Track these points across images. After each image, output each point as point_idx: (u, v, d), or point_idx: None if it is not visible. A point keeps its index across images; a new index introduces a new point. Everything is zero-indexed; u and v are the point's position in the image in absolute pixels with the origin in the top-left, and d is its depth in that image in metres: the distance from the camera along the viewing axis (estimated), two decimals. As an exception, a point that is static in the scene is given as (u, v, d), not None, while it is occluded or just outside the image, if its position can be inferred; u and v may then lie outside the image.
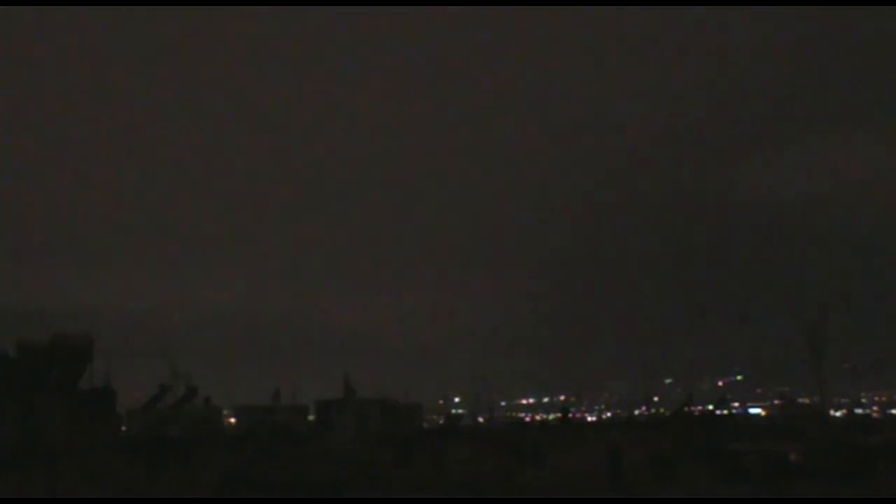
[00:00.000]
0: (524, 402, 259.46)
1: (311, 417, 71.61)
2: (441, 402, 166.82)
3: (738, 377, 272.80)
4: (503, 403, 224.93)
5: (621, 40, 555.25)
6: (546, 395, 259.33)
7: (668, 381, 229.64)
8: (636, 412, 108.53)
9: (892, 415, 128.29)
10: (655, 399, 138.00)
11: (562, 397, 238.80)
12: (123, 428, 58.38)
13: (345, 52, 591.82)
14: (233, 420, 76.95)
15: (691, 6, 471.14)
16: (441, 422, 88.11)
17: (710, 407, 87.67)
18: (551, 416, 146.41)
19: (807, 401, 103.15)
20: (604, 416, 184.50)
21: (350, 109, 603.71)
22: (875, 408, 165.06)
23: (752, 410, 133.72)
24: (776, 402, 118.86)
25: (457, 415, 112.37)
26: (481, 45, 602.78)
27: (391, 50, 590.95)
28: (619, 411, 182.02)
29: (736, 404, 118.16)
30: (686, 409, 70.10)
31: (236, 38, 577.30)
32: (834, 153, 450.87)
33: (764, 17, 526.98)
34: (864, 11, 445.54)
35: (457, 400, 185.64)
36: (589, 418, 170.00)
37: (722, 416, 72.34)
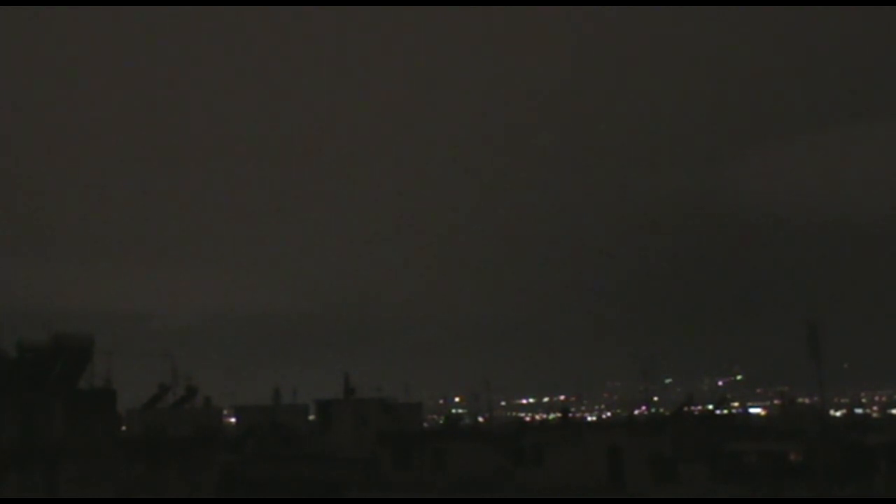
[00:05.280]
0: (524, 402, 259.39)
1: (311, 417, 71.48)
2: (441, 402, 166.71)
3: (738, 377, 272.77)
4: (503, 403, 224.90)
5: (620, 41, 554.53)
6: (546, 395, 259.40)
7: (668, 380, 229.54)
8: (636, 412, 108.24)
9: (892, 415, 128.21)
10: (655, 399, 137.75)
11: (562, 397, 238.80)
12: (123, 428, 58.32)
13: (347, 55, 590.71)
14: (233, 420, 76.76)
15: (691, 6, 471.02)
16: (441, 422, 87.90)
17: (710, 407, 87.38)
18: (551, 416, 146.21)
19: (807, 401, 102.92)
20: (604, 416, 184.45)
21: (349, 111, 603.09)
22: (875, 408, 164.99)
23: (752, 410, 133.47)
24: (776, 402, 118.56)
25: (457, 415, 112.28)
26: (481, 43, 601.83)
27: (390, 50, 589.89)
28: (619, 411, 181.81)
29: (736, 404, 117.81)
30: (686, 409, 69.85)
31: (236, 39, 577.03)
32: (833, 153, 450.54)
33: (763, 18, 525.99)
34: (863, 12, 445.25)
35: (457, 400, 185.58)
36: (589, 418, 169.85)
37: (722, 416, 72.08)
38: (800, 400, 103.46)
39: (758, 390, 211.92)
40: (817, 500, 35.87)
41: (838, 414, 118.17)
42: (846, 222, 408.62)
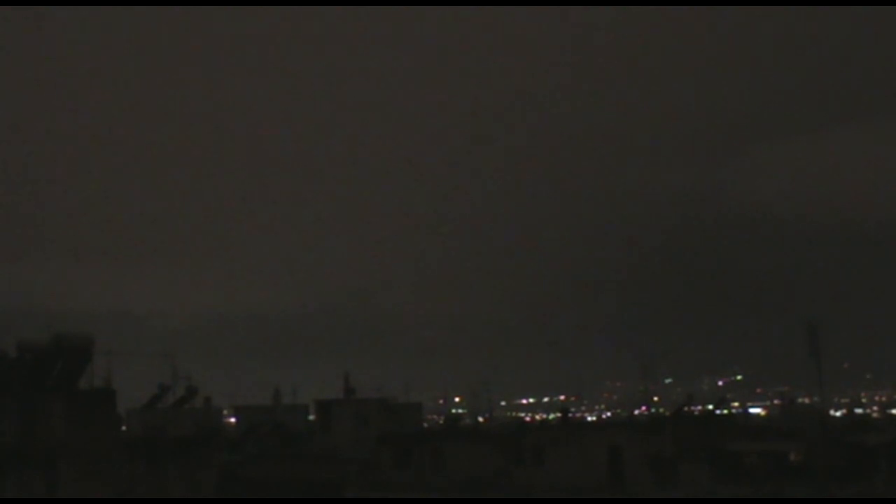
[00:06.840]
0: (524, 402, 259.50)
1: (311, 417, 71.51)
2: (441, 402, 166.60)
3: (738, 377, 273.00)
4: (503, 403, 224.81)
5: (620, 41, 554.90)
6: (546, 395, 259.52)
7: (668, 381, 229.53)
8: (636, 412, 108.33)
9: (892, 415, 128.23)
10: (655, 399, 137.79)
11: (562, 397, 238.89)
12: (123, 428, 58.27)
13: (350, 55, 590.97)
14: (233, 420, 76.77)
15: (692, 6, 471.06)
16: (441, 422, 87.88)
17: (710, 407, 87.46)
18: (551, 416, 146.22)
19: (807, 401, 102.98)
20: (604, 416, 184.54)
21: (349, 110, 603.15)
22: (875, 408, 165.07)
23: (752, 410, 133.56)
24: (776, 402, 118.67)
25: (457, 415, 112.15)
26: (479, 43, 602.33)
27: (389, 49, 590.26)
28: (619, 411, 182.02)
29: (736, 404, 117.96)
30: (686, 409, 69.98)
31: (234, 39, 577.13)
32: (833, 153, 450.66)
33: (763, 18, 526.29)
34: (863, 12, 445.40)
35: (457, 400, 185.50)
36: (589, 418, 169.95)
37: (722, 416, 72.17)
38: (800, 400, 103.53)
39: (758, 390, 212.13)
40: (817, 500, 35.86)
41: (838, 414, 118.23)
42: (846, 222, 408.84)
